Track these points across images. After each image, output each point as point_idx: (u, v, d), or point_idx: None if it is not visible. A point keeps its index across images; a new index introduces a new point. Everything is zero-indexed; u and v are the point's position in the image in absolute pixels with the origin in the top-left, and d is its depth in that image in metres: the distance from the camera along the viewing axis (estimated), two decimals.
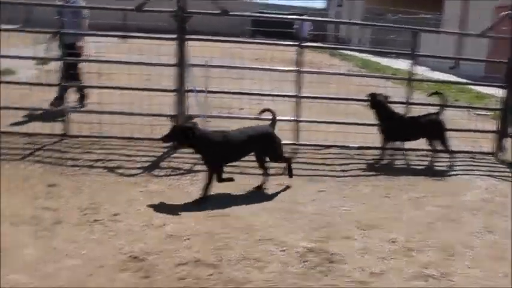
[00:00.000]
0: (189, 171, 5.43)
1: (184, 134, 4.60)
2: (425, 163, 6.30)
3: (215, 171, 4.68)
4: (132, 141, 6.29)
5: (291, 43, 7.31)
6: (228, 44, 6.78)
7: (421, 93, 9.25)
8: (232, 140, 4.81)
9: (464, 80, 11.22)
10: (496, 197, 5.31)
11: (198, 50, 6.44)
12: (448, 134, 6.30)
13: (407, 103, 6.64)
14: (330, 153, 6.40)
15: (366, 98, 6.33)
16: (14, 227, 3.90)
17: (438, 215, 4.65)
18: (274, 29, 8.49)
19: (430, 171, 5.99)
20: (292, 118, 6.51)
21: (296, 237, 3.93)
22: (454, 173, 6.05)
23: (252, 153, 5.02)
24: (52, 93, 7.71)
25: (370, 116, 6.32)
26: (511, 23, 6.88)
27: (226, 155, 4.84)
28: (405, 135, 6.27)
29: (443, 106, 6.26)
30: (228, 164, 4.99)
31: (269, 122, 5.12)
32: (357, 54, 23.00)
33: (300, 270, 3.46)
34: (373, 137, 6.34)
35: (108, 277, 3.25)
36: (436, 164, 6.22)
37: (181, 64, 6.02)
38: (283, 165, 5.33)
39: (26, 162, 5.47)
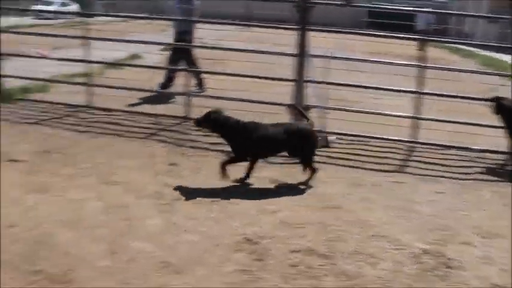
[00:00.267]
0: None
1: (211, 120, 4.63)
2: None
3: (236, 160, 4.66)
4: None
5: (414, 37, 7.02)
6: (341, 36, 6.59)
7: None
8: (261, 133, 4.62)
9: None
10: None
11: (312, 40, 6.39)
12: None
13: None
14: (449, 154, 6.08)
15: (490, 99, 5.91)
16: (139, 199, 4.20)
17: None
18: (394, 21, 8.16)
19: None
20: (411, 115, 6.27)
21: (411, 237, 3.80)
22: None
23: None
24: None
25: (493, 117, 5.91)
26: None
27: (252, 147, 4.67)
28: None
29: None
30: (261, 159, 4.85)
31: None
32: (480, 51, 21.53)
33: (413, 271, 3.35)
34: (497, 140, 5.92)
35: (223, 255, 3.38)
36: None
37: (301, 54, 6.02)
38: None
39: (151, 141, 5.86)
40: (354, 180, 4.97)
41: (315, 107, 6.01)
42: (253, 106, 6.73)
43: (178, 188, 4.46)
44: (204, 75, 8.36)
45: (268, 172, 5.00)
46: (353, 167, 5.36)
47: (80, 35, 7.44)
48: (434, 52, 15.92)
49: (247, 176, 4.69)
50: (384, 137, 6.22)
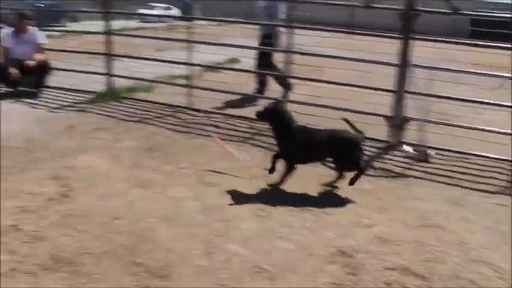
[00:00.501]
0: (401, 174, 5.32)
1: (270, 114, 4.62)
2: None
3: (288, 162, 4.61)
4: None
5: None
6: (441, 45, 6.24)
7: None
8: (305, 137, 4.56)
9: None
10: None
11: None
12: None
13: None
14: None
15: None
16: (235, 202, 4.29)
17: None
18: (499, 30, 7.59)
19: None
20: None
21: None
22: None
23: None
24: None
25: None
26: None
27: (297, 150, 4.60)
28: None
29: None
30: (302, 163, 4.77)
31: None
32: None
33: None
34: None
35: (316, 266, 3.37)
36: None
37: (403, 64, 5.85)
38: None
39: (246, 144, 5.98)
40: (452, 198, 4.74)
41: (414, 119, 5.80)
42: (349, 115, 6.62)
43: (273, 193, 4.51)
44: (291, 81, 8.30)
45: (366, 185, 4.89)
46: (451, 184, 5.12)
47: (183, 38, 7.77)
48: None
49: (281, 181, 4.66)
50: (486, 154, 5.89)
